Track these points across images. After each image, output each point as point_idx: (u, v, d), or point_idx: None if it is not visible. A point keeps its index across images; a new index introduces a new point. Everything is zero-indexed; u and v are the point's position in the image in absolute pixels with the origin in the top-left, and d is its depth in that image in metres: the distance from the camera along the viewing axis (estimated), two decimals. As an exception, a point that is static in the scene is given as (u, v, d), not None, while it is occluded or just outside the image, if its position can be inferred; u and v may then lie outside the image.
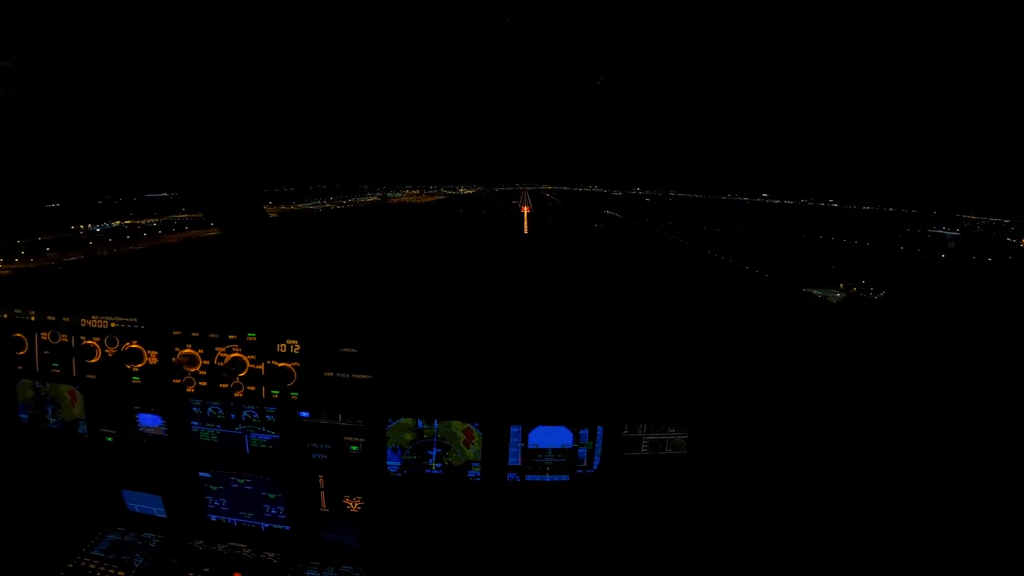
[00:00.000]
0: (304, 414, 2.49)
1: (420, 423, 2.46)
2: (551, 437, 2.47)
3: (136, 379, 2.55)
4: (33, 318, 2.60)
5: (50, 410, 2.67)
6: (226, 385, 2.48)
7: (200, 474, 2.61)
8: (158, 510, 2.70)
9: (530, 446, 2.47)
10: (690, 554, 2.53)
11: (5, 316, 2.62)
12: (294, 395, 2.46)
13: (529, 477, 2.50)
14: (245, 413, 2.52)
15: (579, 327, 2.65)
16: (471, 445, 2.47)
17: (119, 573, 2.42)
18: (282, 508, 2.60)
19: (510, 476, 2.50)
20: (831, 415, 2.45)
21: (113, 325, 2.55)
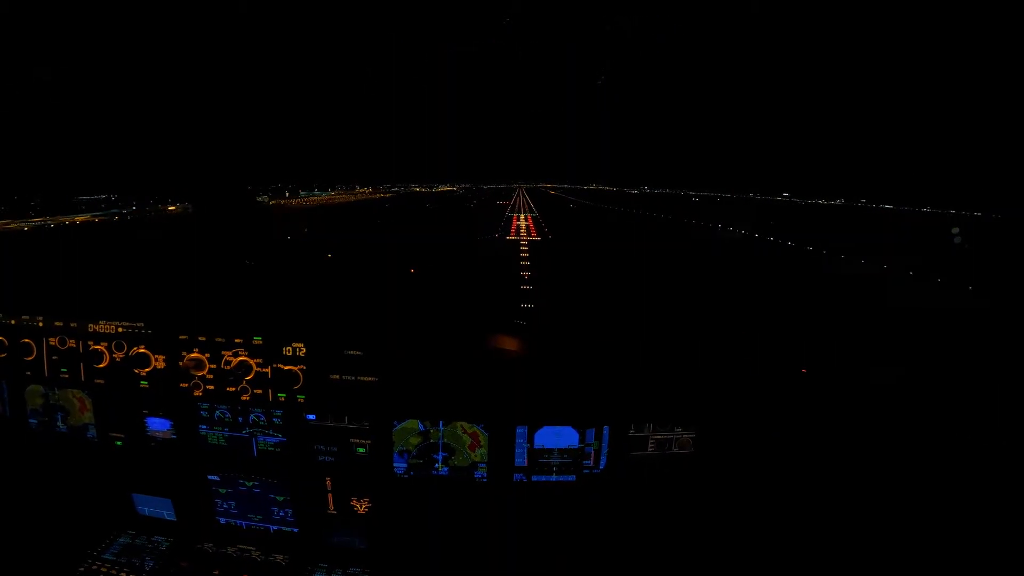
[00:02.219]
0: (311, 416, 2.50)
1: (422, 426, 2.46)
2: (557, 437, 2.47)
3: (144, 383, 2.56)
4: (41, 324, 2.62)
5: (60, 417, 2.68)
6: (233, 388, 2.50)
7: (209, 477, 2.63)
8: (168, 513, 2.71)
9: (536, 446, 2.47)
10: (697, 554, 2.52)
11: (13, 322, 2.64)
12: (300, 398, 2.47)
13: (535, 477, 2.50)
14: (252, 416, 2.53)
15: (589, 325, 2.65)
16: (477, 449, 2.47)
17: None
18: (290, 510, 2.61)
19: (516, 477, 2.50)
20: (842, 414, 2.44)
21: (120, 330, 2.57)
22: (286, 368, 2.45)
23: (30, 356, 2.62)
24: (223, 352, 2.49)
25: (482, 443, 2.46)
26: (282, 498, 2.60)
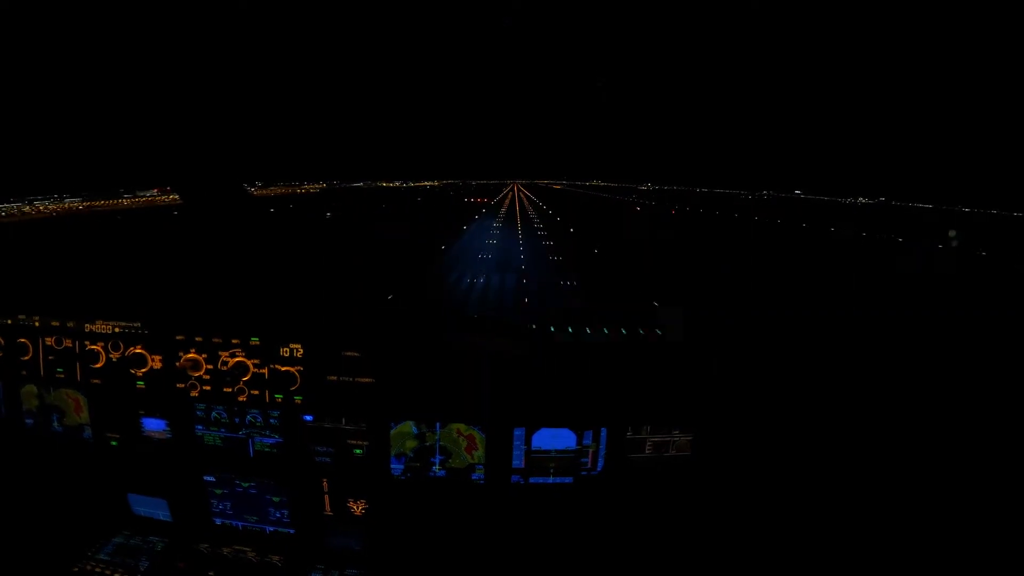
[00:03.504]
0: (308, 417, 2.50)
1: (415, 429, 2.46)
2: (554, 439, 2.47)
3: (140, 384, 2.55)
4: (37, 323, 2.61)
5: (55, 417, 2.67)
6: (230, 389, 2.49)
7: (205, 478, 2.62)
8: (163, 514, 2.70)
9: (533, 448, 2.47)
10: (694, 556, 2.52)
11: (9, 322, 2.63)
12: (297, 399, 2.47)
13: (533, 479, 2.50)
14: (249, 417, 2.53)
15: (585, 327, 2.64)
16: (474, 451, 2.47)
17: None
18: (286, 512, 2.60)
19: (514, 478, 2.50)
20: (840, 415, 2.44)
21: (117, 330, 2.56)
22: (283, 369, 2.44)
23: (26, 356, 2.61)
24: (220, 353, 2.48)
25: (479, 445, 2.46)
26: (278, 499, 2.59)
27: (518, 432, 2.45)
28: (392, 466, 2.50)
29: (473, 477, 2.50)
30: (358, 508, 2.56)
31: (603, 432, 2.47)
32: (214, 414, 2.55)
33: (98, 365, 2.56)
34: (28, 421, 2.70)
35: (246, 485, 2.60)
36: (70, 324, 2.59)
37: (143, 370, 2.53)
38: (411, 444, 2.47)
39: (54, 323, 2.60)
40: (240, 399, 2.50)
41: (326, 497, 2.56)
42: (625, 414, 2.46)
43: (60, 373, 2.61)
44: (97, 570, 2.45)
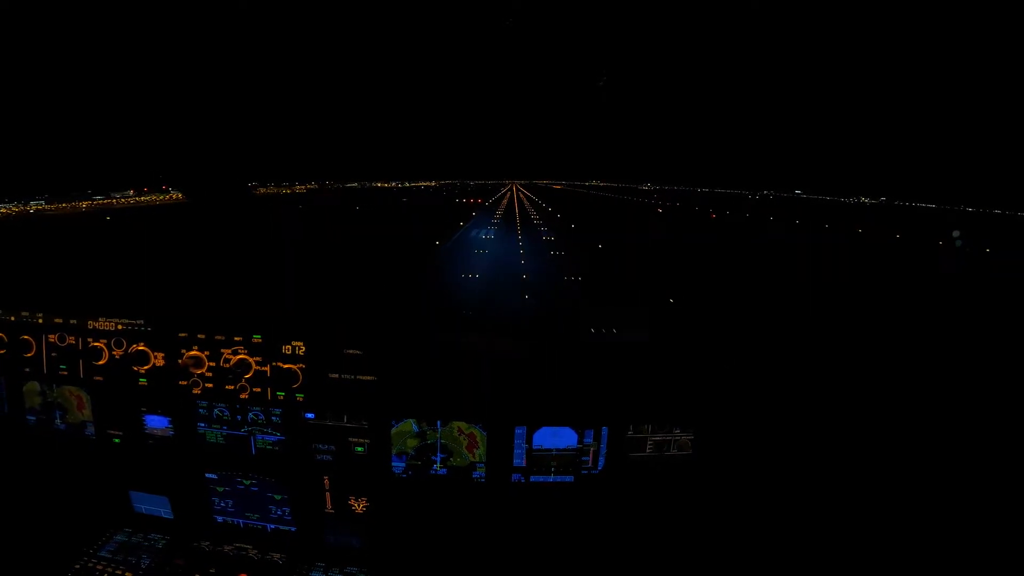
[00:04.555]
0: (309, 415, 2.50)
1: (416, 427, 2.46)
2: (555, 438, 2.47)
3: (143, 381, 2.56)
4: (40, 320, 2.62)
5: (58, 414, 2.68)
6: (232, 387, 2.50)
7: (206, 475, 2.62)
8: (165, 511, 2.71)
9: (535, 447, 2.47)
10: (694, 555, 2.52)
11: (12, 319, 2.64)
12: (299, 396, 2.47)
13: (533, 478, 2.50)
14: (251, 414, 2.53)
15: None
16: (475, 450, 2.47)
17: (126, 574, 2.43)
18: (288, 509, 2.60)
19: (514, 477, 2.50)
20: (840, 414, 2.44)
21: (120, 327, 2.57)
22: (285, 367, 2.44)
23: (29, 353, 2.62)
24: (222, 350, 2.49)
25: (480, 443, 2.46)
26: (280, 497, 2.60)
27: (519, 431, 2.45)
28: (393, 464, 2.50)
29: (474, 475, 2.50)
30: (359, 506, 2.56)
31: (604, 431, 2.47)
32: (216, 411, 2.55)
33: (101, 362, 2.56)
34: (30, 418, 2.71)
35: (248, 483, 2.60)
36: (73, 321, 2.60)
37: (146, 367, 2.53)
38: (412, 442, 2.48)
39: (57, 320, 2.61)
40: (242, 396, 2.50)
41: (327, 495, 2.56)
42: (626, 413, 2.46)
43: (63, 370, 2.61)
44: (99, 567, 2.46)
